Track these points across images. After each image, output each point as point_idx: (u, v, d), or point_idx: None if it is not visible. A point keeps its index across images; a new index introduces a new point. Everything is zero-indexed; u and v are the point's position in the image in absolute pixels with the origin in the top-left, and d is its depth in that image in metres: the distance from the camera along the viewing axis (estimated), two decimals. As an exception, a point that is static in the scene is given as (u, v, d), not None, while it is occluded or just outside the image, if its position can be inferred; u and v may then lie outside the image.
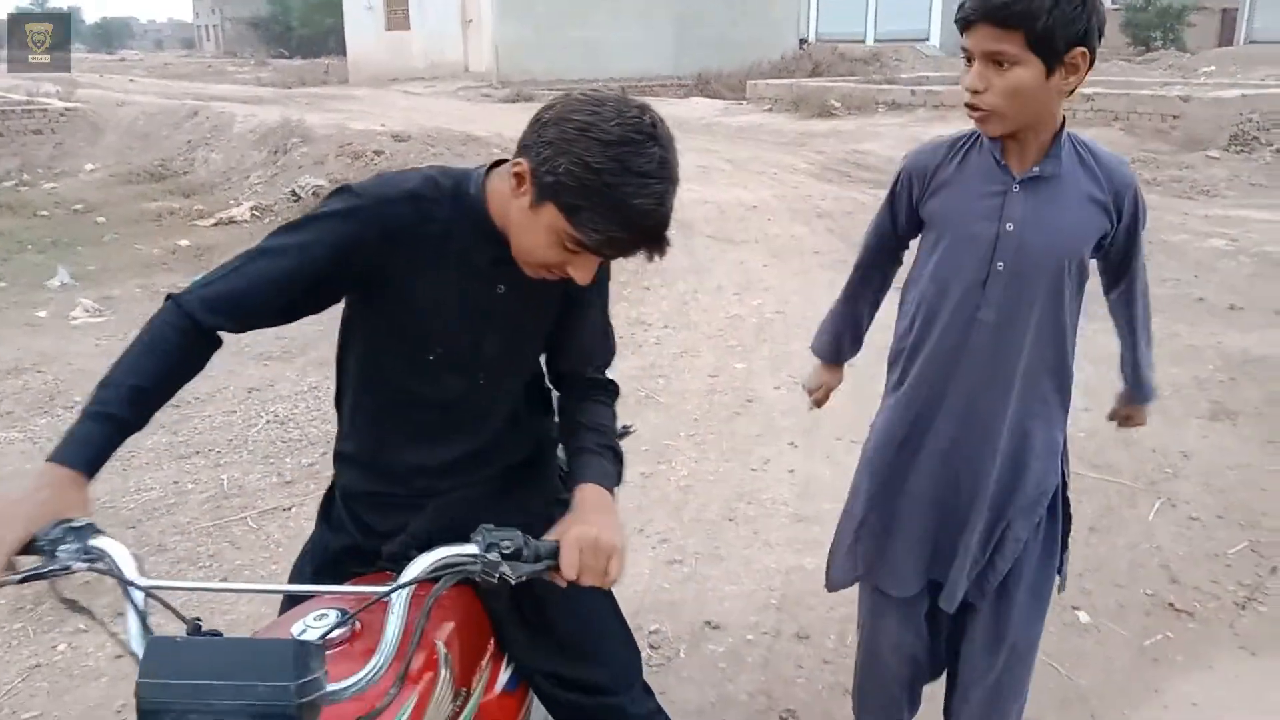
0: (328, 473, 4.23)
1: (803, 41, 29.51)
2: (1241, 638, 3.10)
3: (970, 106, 1.81)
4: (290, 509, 3.91)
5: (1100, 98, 13.23)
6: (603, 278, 1.71)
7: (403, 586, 1.29)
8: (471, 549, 1.32)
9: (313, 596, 1.46)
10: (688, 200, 8.28)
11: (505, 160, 1.56)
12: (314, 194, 10.35)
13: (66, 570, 1.32)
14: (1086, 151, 1.90)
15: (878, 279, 2.26)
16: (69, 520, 1.34)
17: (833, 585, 2.27)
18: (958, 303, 1.94)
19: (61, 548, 1.33)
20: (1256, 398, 4.96)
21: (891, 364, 2.14)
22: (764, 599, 3.23)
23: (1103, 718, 2.74)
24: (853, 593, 2.31)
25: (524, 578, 1.33)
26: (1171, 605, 3.25)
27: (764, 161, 11.28)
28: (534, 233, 1.46)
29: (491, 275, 1.59)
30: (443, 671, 1.42)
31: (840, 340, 2.37)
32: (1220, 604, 3.28)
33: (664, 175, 1.39)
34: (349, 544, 1.75)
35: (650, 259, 1.46)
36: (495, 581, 1.32)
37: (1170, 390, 4.98)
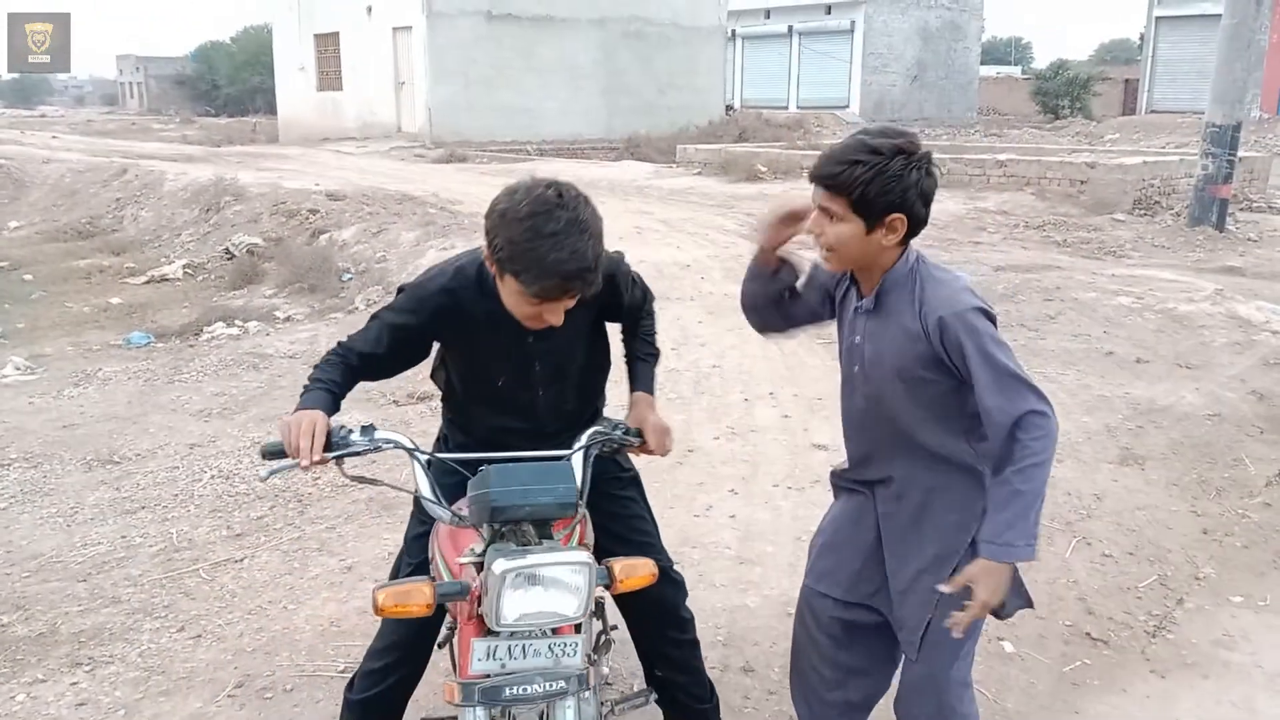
0: (278, 525, 4.29)
1: (729, 108, 30.33)
2: (1152, 662, 3.34)
3: (817, 246, 2.17)
4: (242, 560, 3.95)
5: (1013, 164, 13.91)
6: (628, 282, 2.43)
7: (576, 451, 2.16)
8: (603, 428, 2.24)
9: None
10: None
11: None
12: (248, 252, 10.37)
13: (375, 449, 2.03)
14: (920, 285, 2.11)
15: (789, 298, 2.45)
16: (345, 426, 2.02)
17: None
18: (845, 388, 2.35)
19: (353, 438, 2.00)
20: (1162, 444, 5.29)
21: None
22: (711, 636, 3.38)
23: (1028, 737, 2.94)
24: (789, 627, 2.52)
25: (630, 446, 2.27)
26: (1088, 634, 3.48)
27: (696, 222, 11.60)
28: (509, 296, 2.07)
29: (521, 330, 2.17)
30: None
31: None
32: (1132, 632, 3.52)
33: (573, 230, 1.95)
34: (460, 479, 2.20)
35: (584, 296, 2.04)
36: (616, 448, 2.27)
37: (1084, 437, 5.30)
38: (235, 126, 31.60)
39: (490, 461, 2.01)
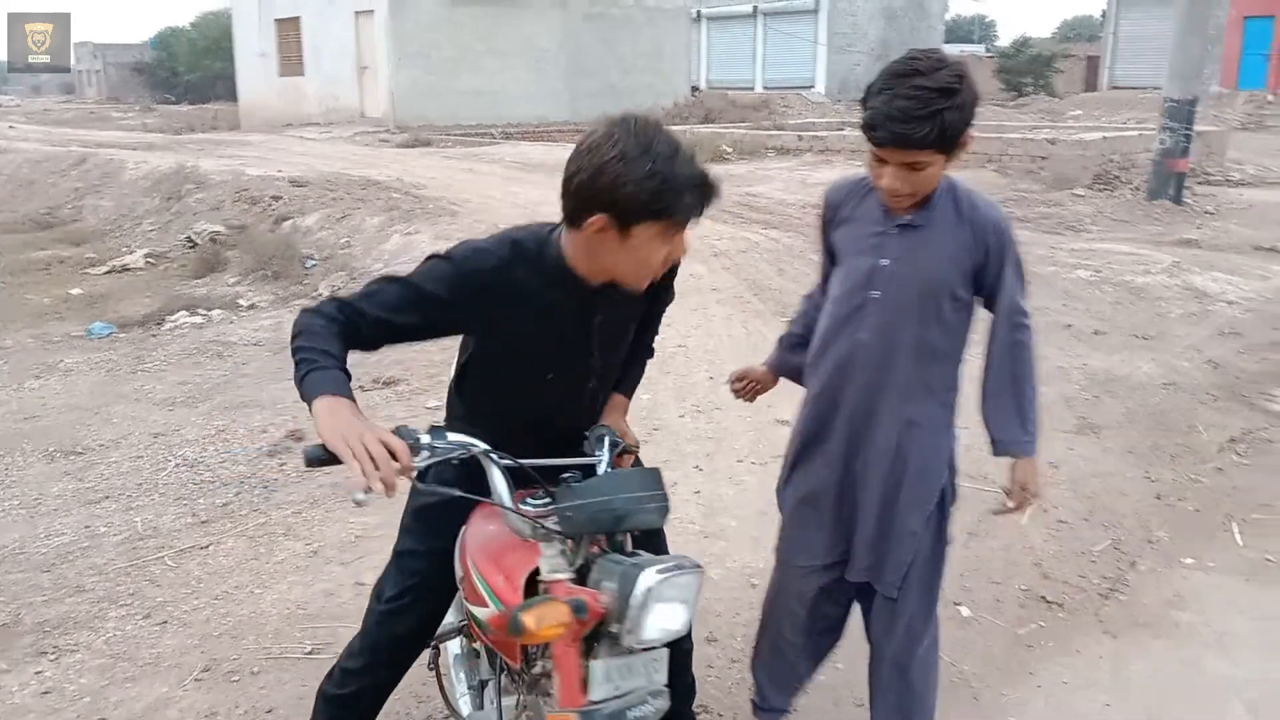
0: (243, 512, 4.29)
1: (695, 89, 30.29)
2: (1105, 624, 3.43)
3: (890, 197, 2.16)
4: (208, 547, 3.96)
5: (975, 141, 13.99)
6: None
7: (602, 459, 2.02)
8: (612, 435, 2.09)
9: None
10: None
11: (558, 225, 2.00)
12: (211, 240, 10.27)
13: (458, 456, 1.80)
14: (965, 201, 2.22)
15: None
16: (407, 428, 1.74)
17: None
18: (844, 324, 2.29)
19: (425, 440, 1.76)
20: (1118, 412, 5.39)
21: (808, 374, 2.43)
22: (674, 609, 3.43)
23: (983, 697, 3.02)
24: (752, 598, 2.57)
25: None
26: (1043, 598, 3.57)
27: (661, 203, 11.61)
28: (636, 252, 1.90)
29: (587, 314, 2.03)
30: None
31: (788, 357, 2.63)
32: (1086, 595, 3.61)
33: (675, 146, 1.85)
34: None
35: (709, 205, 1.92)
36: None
37: (1041, 407, 5.38)
38: (196, 114, 31.18)
39: (571, 467, 1.88)
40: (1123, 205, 12.03)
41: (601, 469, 2.00)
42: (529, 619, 1.65)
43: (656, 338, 2.43)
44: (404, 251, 8.97)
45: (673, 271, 2.15)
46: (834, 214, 2.36)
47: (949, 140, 2.05)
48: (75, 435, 5.23)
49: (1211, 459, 4.86)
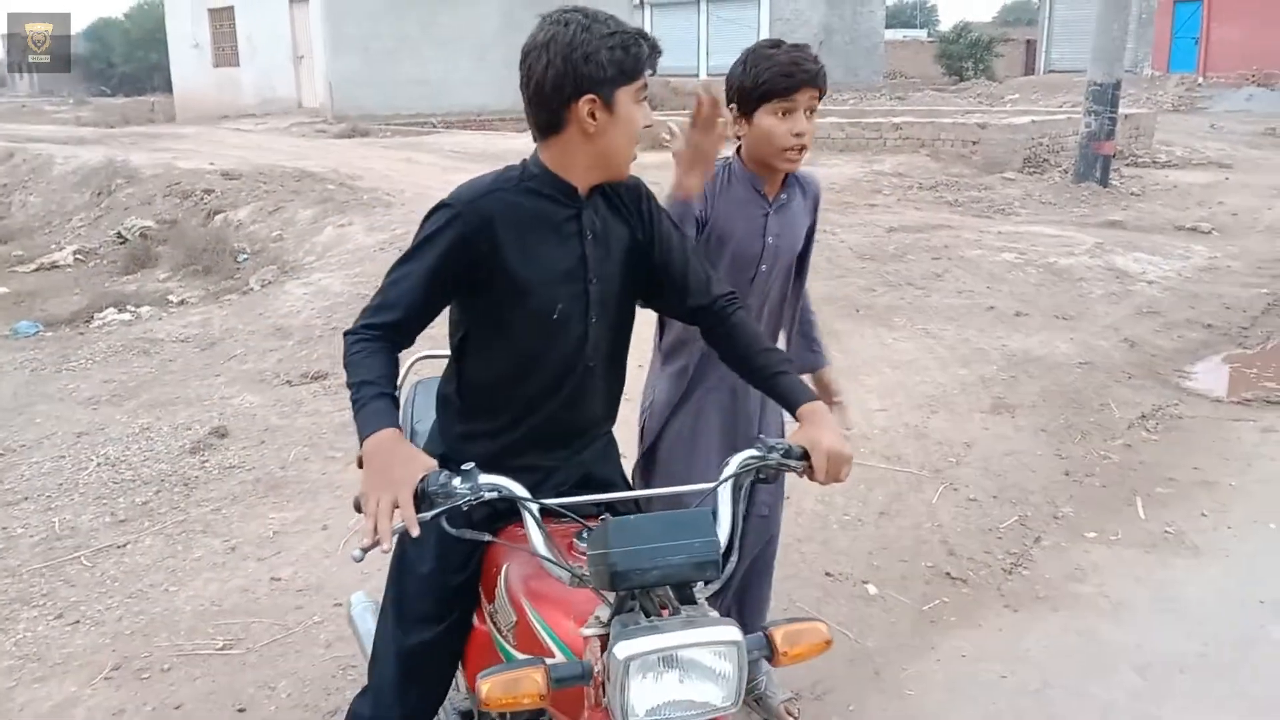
0: (163, 510, 4.28)
1: (637, 75, 30.20)
2: (1006, 598, 3.54)
3: (797, 150, 2.36)
4: (125, 545, 3.94)
5: (908, 126, 14.20)
6: (662, 216, 2.10)
7: (726, 481, 1.76)
8: (759, 451, 1.81)
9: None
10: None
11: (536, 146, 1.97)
12: (141, 235, 10.12)
13: (478, 498, 1.65)
14: (798, 175, 2.54)
15: None
16: (444, 472, 1.66)
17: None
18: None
19: (454, 486, 1.64)
20: (1033, 392, 5.54)
21: (675, 351, 2.60)
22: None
23: (884, 672, 3.11)
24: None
25: (793, 470, 1.82)
26: (948, 575, 3.68)
27: (599, 192, 11.64)
28: (625, 122, 1.89)
29: (576, 229, 1.95)
30: None
31: None
32: (990, 571, 3.72)
33: (607, 13, 1.90)
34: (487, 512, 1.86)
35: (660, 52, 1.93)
36: (774, 474, 1.83)
37: (959, 389, 5.52)
38: (132, 106, 30.52)
39: (608, 504, 1.79)
40: (1051, 188, 12.28)
41: (723, 498, 1.74)
42: (485, 686, 1.48)
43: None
44: (337, 244, 8.92)
45: (654, 235, 2.07)
46: (708, 200, 2.44)
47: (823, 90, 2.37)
48: (-5, 436, 5.16)
49: (1121, 435, 5.01)
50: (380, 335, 1.87)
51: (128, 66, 46.48)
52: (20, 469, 4.76)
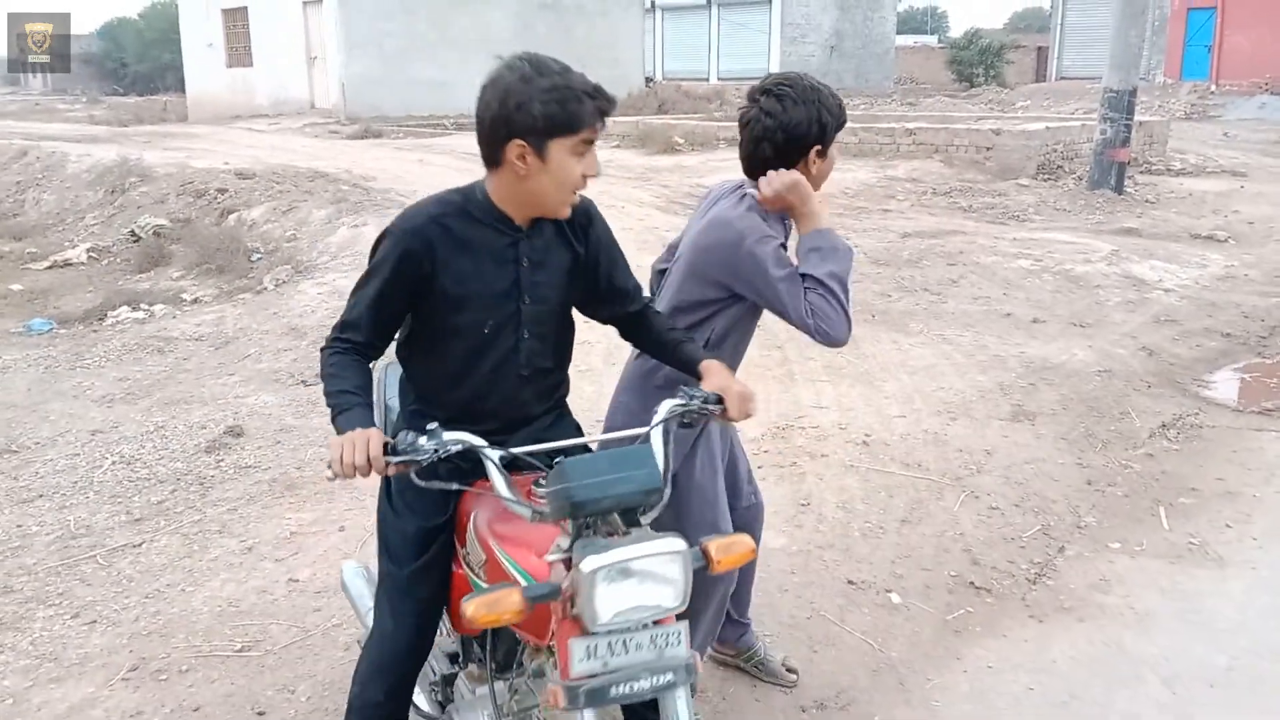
0: (179, 509, 4.26)
1: (649, 80, 30.25)
2: (1031, 608, 3.50)
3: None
4: (141, 545, 3.92)
5: (922, 132, 14.16)
6: (608, 240, 2.31)
7: (657, 425, 2.04)
8: (682, 400, 2.10)
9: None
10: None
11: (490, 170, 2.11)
12: (155, 233, 10.12)
13: (445, 453, 1.89)
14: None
15: None
16: (409, 432, 1.88)
17: None
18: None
19: (420, 443, 1.87)
20: (1052, 399, 5.49)
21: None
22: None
23: (909, 683, 3.07)
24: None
25: (711, 415, 2.11)
26: (972, 584, 3.63)
27: (612, 195, 11.60)
28: (556, 172, 2.03)
29: (512, 256, 2.13)
30: None
31: None
32: (1014, 580, 3.68)
33: (565, 66, 2.03)
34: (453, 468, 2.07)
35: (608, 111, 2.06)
36: (696, 418, 2.11)
37: (977, 396, 5.48)
38: (145, 105, 30.60)
39: (565, 450, 2.01)
40: (1065, 195, 12.22)
41: (655, 440, 2.01)
42: (470, 607, 1.71)
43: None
44: (351, 245, 8.90)
45: (595, 252, 2.27)
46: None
47: None
48: (10, 434, 5.14)
49: (1143, 444, 4.97)
50: (351, 349, 2.10)
51: (141, 66, 46.67)
52: (35, 466, 4.75)
